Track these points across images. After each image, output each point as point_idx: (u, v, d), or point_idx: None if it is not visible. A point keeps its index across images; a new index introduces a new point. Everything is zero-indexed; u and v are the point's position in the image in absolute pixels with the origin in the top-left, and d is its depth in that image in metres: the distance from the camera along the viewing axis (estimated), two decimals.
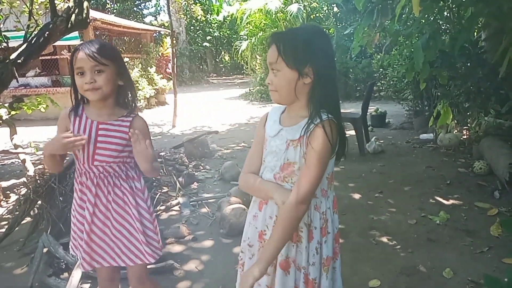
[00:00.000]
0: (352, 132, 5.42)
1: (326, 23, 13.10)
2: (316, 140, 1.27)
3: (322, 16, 13.56)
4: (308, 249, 1.37)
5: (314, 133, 1.28)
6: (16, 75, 3.70)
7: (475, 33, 5.12)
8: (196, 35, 24.96)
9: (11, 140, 5.16)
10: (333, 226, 1.43)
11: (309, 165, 1.29)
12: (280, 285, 1.37)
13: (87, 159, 1.62)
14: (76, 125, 1.62)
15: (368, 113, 5.97)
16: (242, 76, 23.09)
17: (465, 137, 5.21)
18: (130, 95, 1.70)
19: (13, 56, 3.76)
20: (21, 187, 4.31)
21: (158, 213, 3.61)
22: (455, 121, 5.20)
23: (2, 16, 4.16)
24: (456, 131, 5.22)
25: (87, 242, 1.66)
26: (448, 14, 4.26)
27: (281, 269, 1.38)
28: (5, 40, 3.86)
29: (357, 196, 3.87)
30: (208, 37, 25.63)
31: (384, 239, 2.97)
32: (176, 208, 3.76)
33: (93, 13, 9.94)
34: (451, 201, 3.59)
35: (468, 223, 3.14)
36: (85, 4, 4.05)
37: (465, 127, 5.30)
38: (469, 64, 4.64)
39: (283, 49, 1.28)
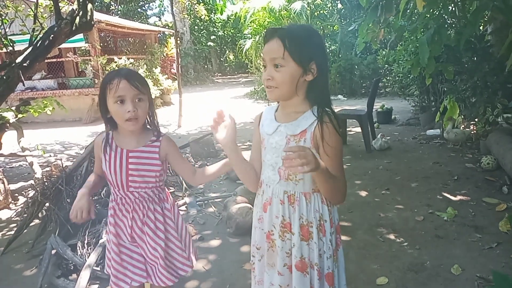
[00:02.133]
0: (358, 129, 5.40)
1: (330, 20, 13.06)
2: (330, 136, 1.29)
3: (326, 13, 13.52)
4: (319, 244, 1.37)
5: (324, 130, 1.29)
6: (22, 78, 3.72)
7: (481, 27, 5.07)
8: (200, 34, 25.00)
9: (19, 143, 5.21)
10: (334, 217, 1.44)
11: (334, 160, 1.32)
12: (299, 286, 1.36)
13: (121, 186, 1.64)
14: (107, 156, 1.63)
15: (374, 110, 5.94)
16: (247, 75, 23.07)
17: (472, 132, 5.17)
18: (153, 117, 1.69)
19: (19, 59, 3.79)
20: (29, 190, 4.36)
21: None
22: (462, 116, 5.16)
23: (8, 20, 4.20)
24: (463, 126, 5.18)
25: (127, 261, 1.69)
26: (453, 9, 4.22)
27: (298, 271, 1.37)
28: (11, 44, 3.89)
29: (363, 193, 3.86)
30: (212, 37, 25.66)
31: (392, 236, 2.96)
32: (183, 208, 3.77)
33: (98, 15, 10.00)
34: (458, 197, 3.57)
35: (476, 219, 3.12)
36: (89, 6, 4.06)
37: (472, 122, 5.26)
38: (475, 58, 4.60)
39: (289, 44, 1.27)
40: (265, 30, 1.37)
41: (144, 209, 1.66)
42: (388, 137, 5.60)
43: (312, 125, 1.31)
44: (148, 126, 1.69)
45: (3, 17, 3.97)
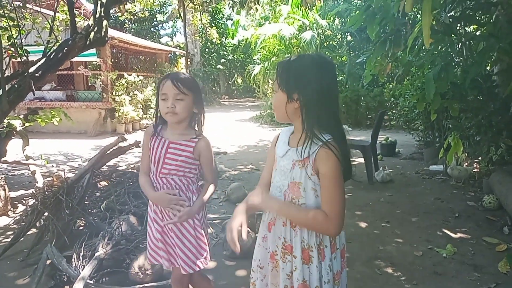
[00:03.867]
0: (361, 160, 5.40)
1: (339, 51, 13.25)
2: (323, 164, 1.32)
3: (335, 44, 13.73)
4: (319, 268, 1.38)
5: (320, 157, 1.32)
6: (33, 88, 3.79)
7: (488, 67, 5.13)
8: (210, 57, 25.36)
9: (23, 151, 5.24)
10: (340, 242, 1.46)
11: (327, 189, 1.33)
12: None
13: (155, 171, 1.89)
14: (153, 142, 1.89)
15: (378, 142, 5.95)
16: (253, 99, 23.27)
17: (475, 170, 5.16)
18: (200, 120, 1.94)
19: (31, 69, 3.86)
20: (29, 198, 4.36)
21: None
22: (466, 154, 5.16)
23: (24, 31, 4.29)
24: (466, 164, 5.18)
25: (162, 246, 1.92)
26: (460, 47, 4.29)
27: None
28: (25, 54, 3.97)
29: (363, 224, 3.83)
30: (222, 60, 26.01)
31: (389, 270, 2.93)
32: None
33: (111, 32, 10.20)
34: (459, 235, 3.54)
35: (475, 257, 3.08)
36: (105, 22, 4.17)
37: (475, 160, 5.26)
38: (480, 97, 4.63)
39: (279, 73, 1.40)
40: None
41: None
42: (391, 170, 5.60)
43: (314, 152, 1.34)
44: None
45: (20, 28, 4.06)
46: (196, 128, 1.95)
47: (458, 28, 4.11)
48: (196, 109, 1.89)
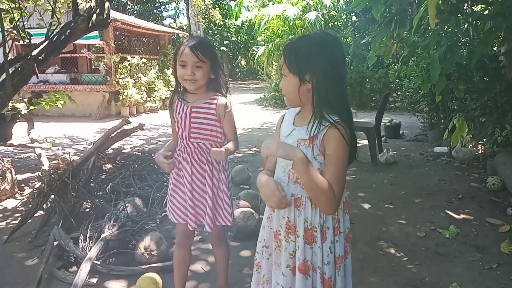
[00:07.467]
0: (365, 142, 5.40)
1: (344, 32, 13.10)
2: (330, 144, 1.32)
3: (340, 25, 13.56)
4: (322, 249, 1.39)
5: (328, 137, 1.32)
6: (37, 71, 3.79)
7: (495, 48, 5.06)
8: (213, 39, 25.17)
9: (28, 135, 5.28)
10: (344, 226, 1.46)
11: (332, 168, 1.32)
12: None
13: (185, 137, 1.94)
14: (178, 108, 1.95)
15: (382, 124, 5.93)
16: (257, 81, 23.17)
17: (480, 152, 5.15)
18: (220, 81, 1.98)
19: (34, 52, 3.86)
20: (36, 181, 4.41)
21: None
22: (470, 135, 5.13)
23: (26, 14, 4.27)
24: (471, 145, 5.16)
25: (191, 205, 1.97)
26: (466, 27, 4.23)
27: (300, 273, 1.40)
28: (28, 37, 3.96)
29: (367, 206, 3.85)
30: (226, 42, 25.83)
31: (392, 250, 2.95)
32: None
33: (114, 14, 10.12)
34: (462, 216, 3.55)
35: (478, 238, 3.10)
36: (107, 4, 4.13)
37: (480, 142, 5.24)
38: (486, 78, 4.58)
39: (287, 56, 1.37)
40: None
41: (203, 158, 1.94)
42: (395, 152, 5.60)
43: (322, 132, 1.33)
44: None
45: (22, 10, 4.03)
46: (217, 89, 1.98)
47: (465, 7, 4.04)
48: (213, 75, 1.93)
